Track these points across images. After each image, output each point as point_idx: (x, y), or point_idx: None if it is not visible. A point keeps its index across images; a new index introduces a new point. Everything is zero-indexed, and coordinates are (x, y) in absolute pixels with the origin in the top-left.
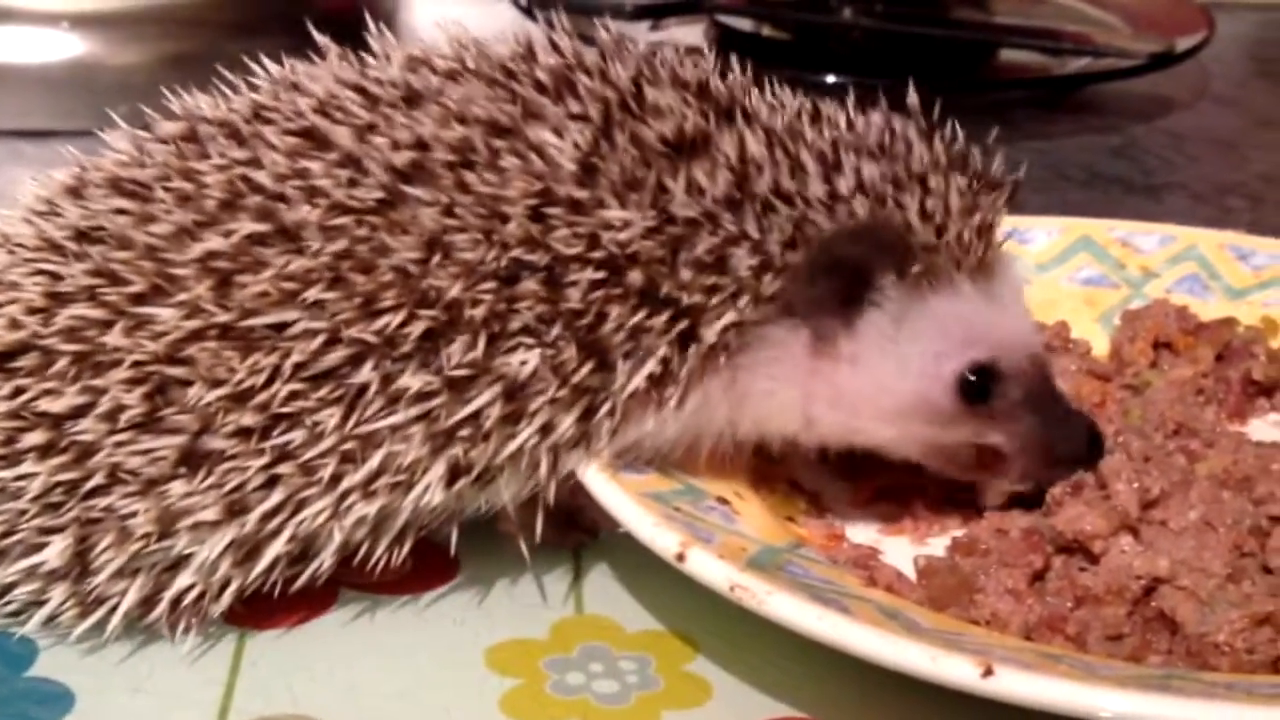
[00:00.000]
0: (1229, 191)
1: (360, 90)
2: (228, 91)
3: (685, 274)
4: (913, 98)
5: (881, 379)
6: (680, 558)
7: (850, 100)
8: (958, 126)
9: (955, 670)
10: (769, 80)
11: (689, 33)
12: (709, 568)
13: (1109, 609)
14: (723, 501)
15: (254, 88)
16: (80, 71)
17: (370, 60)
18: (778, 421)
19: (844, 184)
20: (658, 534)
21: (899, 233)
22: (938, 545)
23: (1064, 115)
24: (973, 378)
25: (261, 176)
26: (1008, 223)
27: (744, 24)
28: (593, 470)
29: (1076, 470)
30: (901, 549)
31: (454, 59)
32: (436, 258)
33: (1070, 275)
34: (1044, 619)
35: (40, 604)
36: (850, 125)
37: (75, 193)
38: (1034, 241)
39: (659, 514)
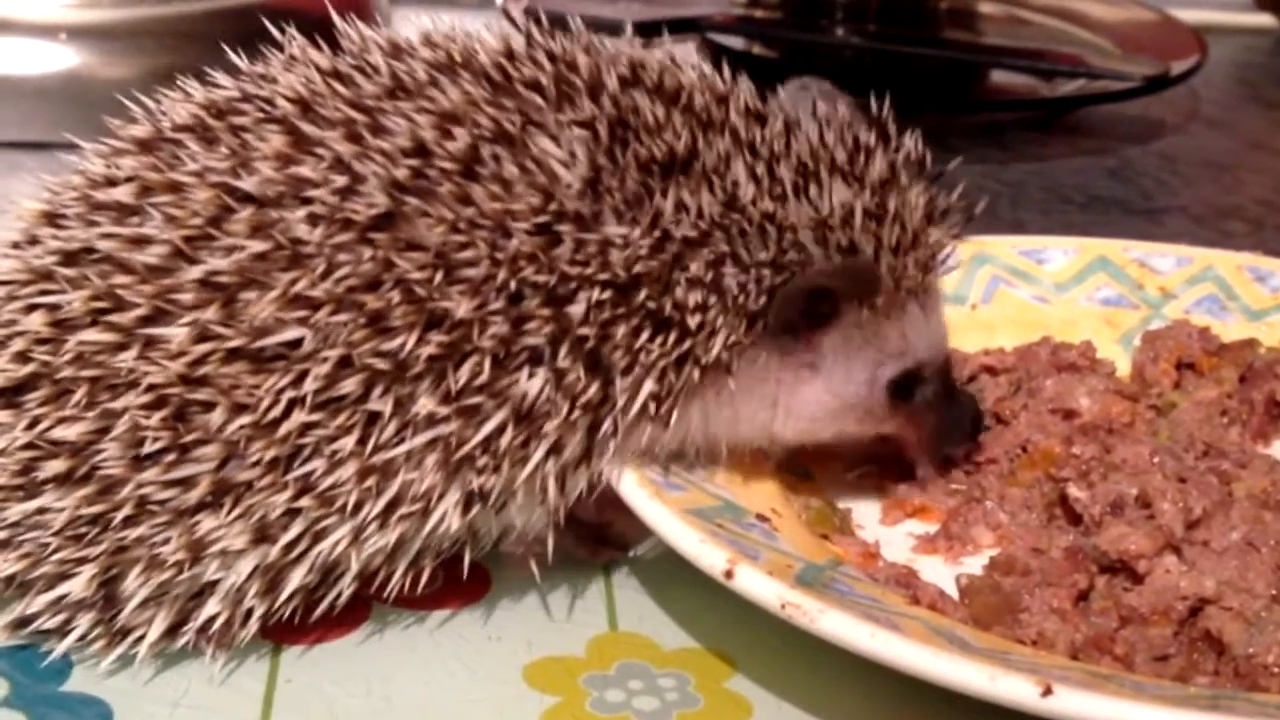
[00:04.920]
0: (1228, 215)
1: (337, 75)
2: (190, 90)
3: (682, 293)
4: (874, 110)
5: (831, 386)
6: (728, 575)
7: (815, 105)
8: (922, 143)
9: (1015, 690)
10: (744, 85)
11: (681, 51)
12: (759, 585)
13: (1155, 629)
14: (762, 519)
15: (217, 87)
16: (77, 83)
17: (348, 47)
18: (747, 431)
19: (825, 208)
20: (704, 551)
21: (874, 274)
22: (972, 564)
23: (1056, 137)
24: (899, 382)
25: (249, 185)
26: (1024, 243)
27: (735, 42)
28: (635, 486)
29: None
30: (935, 568)
31: (440, 50)
32: (441, 275)
33: (1089, 295)
34: (1091, 639)
35: (67, 632)
36: (821, 138)
37: (51, 219)
38: (1051, 261)
39: (704, 531)
